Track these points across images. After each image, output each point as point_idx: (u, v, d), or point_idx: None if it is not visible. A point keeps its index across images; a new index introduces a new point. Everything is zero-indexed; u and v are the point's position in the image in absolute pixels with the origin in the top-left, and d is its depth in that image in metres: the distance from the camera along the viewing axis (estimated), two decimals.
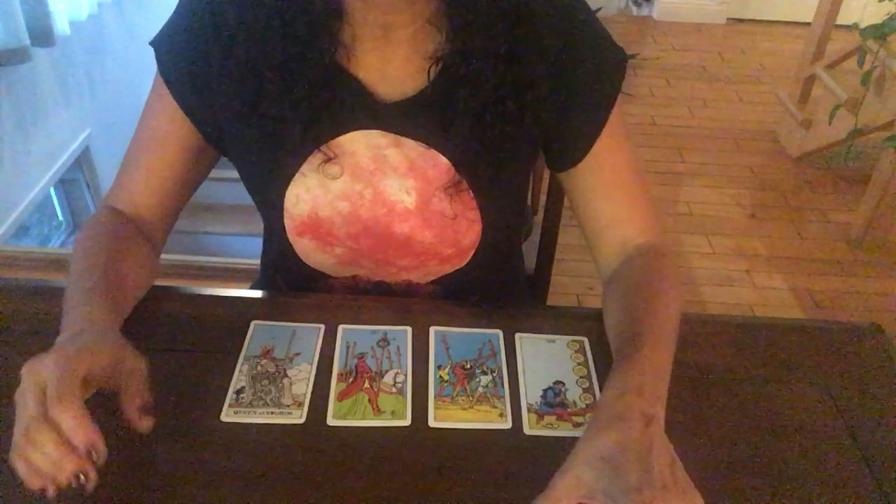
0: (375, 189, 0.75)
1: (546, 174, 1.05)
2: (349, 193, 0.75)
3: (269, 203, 0.78)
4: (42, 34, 1.73)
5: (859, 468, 0.64)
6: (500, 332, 0.75)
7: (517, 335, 0.75)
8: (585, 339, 0.75)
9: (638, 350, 0.61)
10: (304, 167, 0.74)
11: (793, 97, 2.87)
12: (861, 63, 2.40)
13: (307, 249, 0.80)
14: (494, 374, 0.71)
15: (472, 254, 0.80)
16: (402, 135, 0.73)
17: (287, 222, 0.77)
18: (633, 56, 3.43)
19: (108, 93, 2.24)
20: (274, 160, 0.74)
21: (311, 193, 0.75)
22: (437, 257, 0.80)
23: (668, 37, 3.85)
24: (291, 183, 0.75)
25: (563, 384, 0.70)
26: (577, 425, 0.66)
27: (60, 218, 2.24)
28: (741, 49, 3.76)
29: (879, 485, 0.63)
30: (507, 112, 0.70)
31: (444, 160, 0.73)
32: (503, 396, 0.68)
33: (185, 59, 0.74)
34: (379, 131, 0.73)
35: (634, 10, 4.11)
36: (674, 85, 3.39)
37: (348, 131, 0.73)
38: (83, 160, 2.15)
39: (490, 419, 0.66)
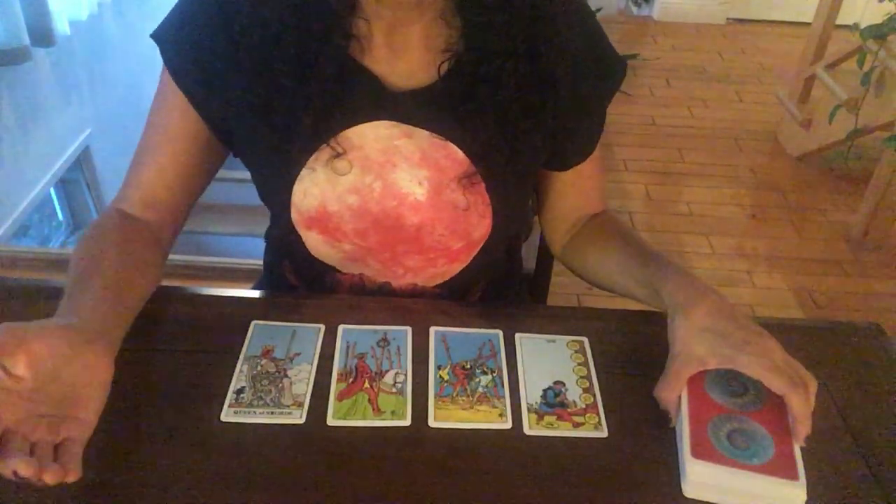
0: (385, 181, 0.75)
1: None
2: (359, 186, 0.75)
3: (277, 198, 0.77)
4: (42, 34, 1.72)
5: (859, 468, 0.64)
6: (500, 332, 0.75)
7: (517, 335, 0.75)
8: (585, 339, 0.75)
9: (670, 264, 0.71)
10: (312, 162, 0.73)
11: (793, 97, 2.87)
12: (861, 63, 2.40)
13: (315, 243, 0.80)
14: (494, 374, 0.71)
15: (479, 248, 0.80)
16: (413, 125, 0.73)
17: (295, 216, 0.77)
18: (633, 56, 3.43)
19: (108, 93, 2.23)
20: (283, 155, 0.73)
21: (319, 188, 0.75)
22: (445, 254, 0.80)
23: (668, 37, 3.85)
24: (299, 177, 0.74)
25: (563, 384, 0.70)
26: (577, 425, 0.66)
27: (60, 218, 2.24)
28: (741, 49, 3.75)
29: (879, 485, 0.63)
30: (529, 107, 0.72)
31: (458, 151, 0.73)
32: (503, 396, 0.68)
33: (191, 51, 0.73)
34: (390, 122, 0.73)
35: (634, 10, 4.10)
36: (674, 85, 3.39)
37: (358, 123, 0.73)
38: (83, 160, 2.15)
39: (490, 419, 0.66)
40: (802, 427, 0.60)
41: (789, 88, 2.93)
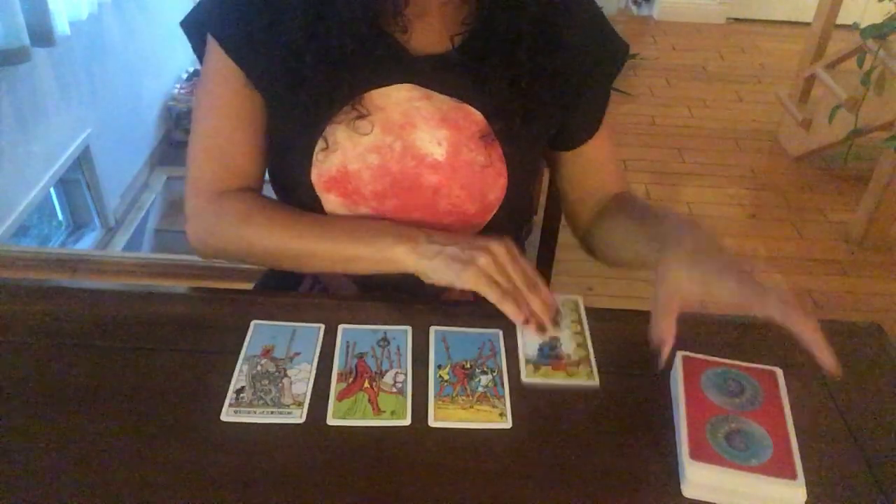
0: (405, 142, 0.78)
1: (545, 175, 1.06)
2: (379, 146, 0.78)
3: (298, 161, 0.79)
4: (42, 34, 1.73)
5: (859, 468, 0.64)
6: (500, 332, 0.75)
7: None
8: (579, 298, 0.79)
9: (678, 214, 0.75)
10: (335, 122, 0.77)
11: (793, 97, 2.87)
12: (861, 63, 2.40)
13: (334, 207, 0.81)
14: (494, 374, 0.71)
15: (493, 213, 0.83)
16: (432, 89, 0.77)
17: (315, 178, 0.79)
18: (633, 56, 3.44)
19: (108, 93, 2.24)
20: (308, 118, 0.76)
21: (340, 146, 0.78)
22: (461, 218, 0.82)
23: (668, 37, 3.85)
24: (321, 137, 0.77)
25: (559, 339, 0.74)
26: (570, 375, 0.70)
27: (60, 218, 2.24)
28: (741, 49, 3.76)
29: (879, 485, 0.63)
30: (540, 72, 0.76)
31: (476, 113, 0.78)
32: (503, 396, 0.69)
33: (236, 23, 0.77)
34: (410, 85, 0.77)
35: (634, 10, 4.11)
36: (674, 85, 3.39)
37: (382, 85, 0.76)
38: (83, 160, 2.16)
39: (490, 419, 0.66)
40: (827, 354, 0.61)
41: (789, 88, 2.94)
